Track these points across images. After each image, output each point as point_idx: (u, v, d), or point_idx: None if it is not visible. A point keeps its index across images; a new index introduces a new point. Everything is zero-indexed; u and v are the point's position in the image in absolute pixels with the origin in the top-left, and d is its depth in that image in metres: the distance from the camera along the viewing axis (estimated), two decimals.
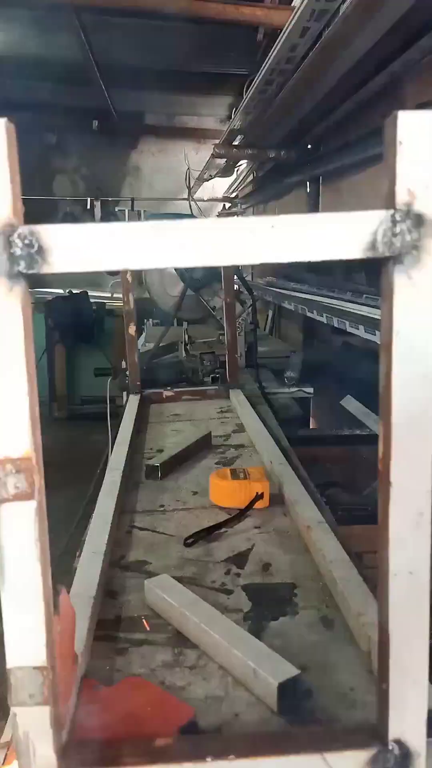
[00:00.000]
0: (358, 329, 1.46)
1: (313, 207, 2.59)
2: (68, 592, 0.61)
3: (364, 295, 1.72)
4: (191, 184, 4.88)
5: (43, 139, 5.24)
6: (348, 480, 1.57)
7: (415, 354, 0.36)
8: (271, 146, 2.62)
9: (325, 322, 1.76)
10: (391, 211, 0.34)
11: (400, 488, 0.38)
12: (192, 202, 4.87)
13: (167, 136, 5.33)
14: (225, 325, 1.81)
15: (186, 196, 5.00)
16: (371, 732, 0.46)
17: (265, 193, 3.62)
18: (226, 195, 5.03)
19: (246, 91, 2.22)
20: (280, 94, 1.95)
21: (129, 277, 1.73)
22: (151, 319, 2.96)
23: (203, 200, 5.29)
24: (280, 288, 2.65)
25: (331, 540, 0.80)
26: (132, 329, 1.74)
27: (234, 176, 4.30)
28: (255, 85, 1.97)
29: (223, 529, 0.91)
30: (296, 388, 2.00)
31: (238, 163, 3.80)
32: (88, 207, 5.30)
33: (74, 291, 4.72)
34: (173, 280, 2.58)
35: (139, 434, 1.42)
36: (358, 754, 0.45)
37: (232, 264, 0.37)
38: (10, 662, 0.41)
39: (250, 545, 0.87)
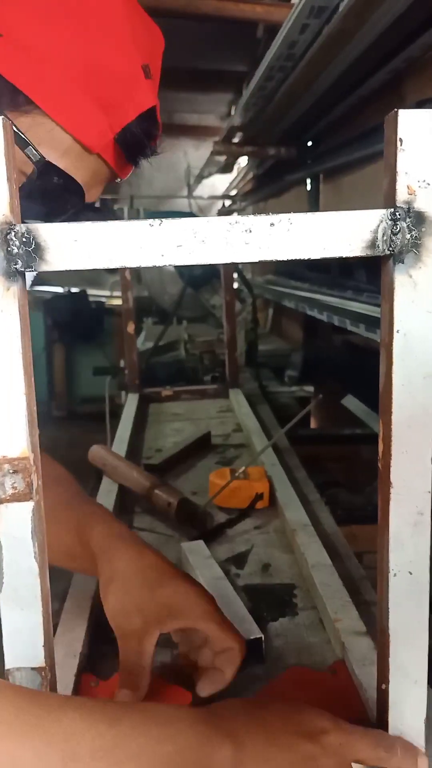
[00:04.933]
0: (358, 327, 1.46)
1: (314, 204, 2.58)
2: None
3: (365, 294, 1.72)
4: (191, 182, 4.88)
5: None
6: (349, 479, 1.57)
7: (415, 353, 0.35)
8: (271, 143, 2.62)
9: (326, 321, 1.75)
10: (391, 210, 0.34)
11: (399, 488, 0.38)
12: (191, 200, 4.87)
13: (166, 133, 5.22)
14: (225, 323, 1.80)
15: (185, 194, 5.00)
16: None
17: (265, 191, 3.61)
18: (225, 193, 5.03)
19: (245, 88, 2.21)
20: (279, 91, 1.95)
21: (128, 275, 1.72)
22: (150, 318, 2.95)
23: (203, 198, 5.29)
24: (280, 286, 2.64)
25: (315, 543, 0.80)
26: (131, 328, 1.73)
27: (234, 173, 4.30)
28: (254, 82, 1.96)
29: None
30: (296, 387, 1.99)
31: (238, 161, 3.80)
32: None
33: (73, 289, 4.71)
34: (172, 279, 2.57)
35: (138, 433, 1.42)
36: None
37: (232, 262, 0.37)
38: (9, 663, 0.41)
39: (250, 546, 0.87)
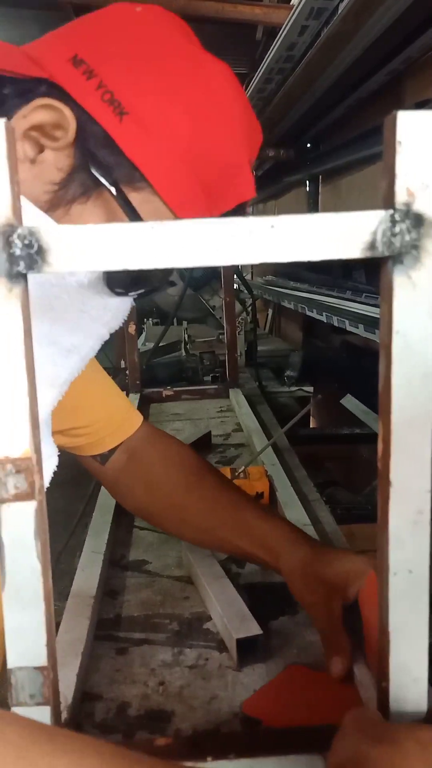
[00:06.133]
0: (357, 328, 1.46)
1: (313, 206, 2.58)
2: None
3: (364, 294, 1.72)
4: None
5: None
6: (348, 478, 1.57)
7: (414, 353, 0.36)
8: (270, 145, 2.62)
9: (325, 321, 1.75)
10: (391, 211, 0.34)
11: (399, 487, 0.38)
12: None
13: None
14: (225, 324, 1.81)
15: None
16: None
17: (264, 192, 3.62)
18: None
19: (245, 90, 2.22)
20: (279, 93, 1.95)
21: None
22: (150, 319, 2.95)
23: None
24: (279, 287, 2.65)
25: None
26: (132, 328, 1.74)
27: None
28: (254, 84, 1.96)
29: None
30: (296, 387, 2.00)
31: None
32: None
33: None
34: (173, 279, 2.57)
35: None
36: None
37: (232, 264, 0.37)
38: (11, 662, 0.41)
39: None
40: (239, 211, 0.57)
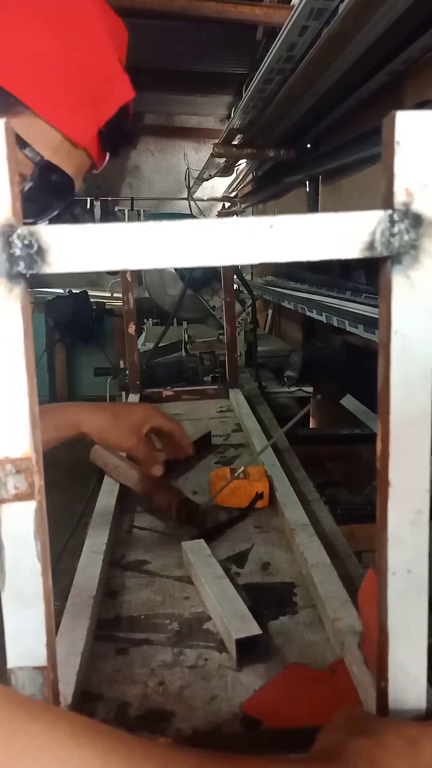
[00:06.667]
0: (357, 328, 1.46)
1: (313, 206, 2.59)
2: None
3: (363, 294, 1.72)
4: (191, 184, 4.88)
5: None
6: (348, 479, 1.57)
7: (413, 353, 0.36)
8: (270, 145, 2.62)
9: (325, 321, 1.76)
10: (389, 211, 0.34)
11: (398, 487, 0.38)
12: (191, 202, 4.87)
13: (166, 135, 5.32)
14: (225, 324, 1.81)
15: (185, 196, 5.00)
16: None
17: (264, 193, 3.62)
18: (225, 194, 5.03)
19: (245, 91, 2.22)
20: (279, 93, 1.95)
21: (129, 277, 1.73)
22: (150, 319, 2.95)
23: (203, 200, 5.29)
24: (279, 287, 2.65)
25: (314, 543, 0.80)
26: (132, 329, 1.74)
27: (233, 176, 4.30)
28: (254, 85, 1.97)
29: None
30: (296, 388, 2.00)
31: (238, 163, 3.80)
32: (88, 207, 5.29)
33: (74, 291, 4.72)
34: (172, 280, 2.57)
35: None
36: None
37: (232, 264, 0.37)
38: (11, 662, 0.41)
39: (250, 545, 0.87)
40: (124, 114, 0.58)
